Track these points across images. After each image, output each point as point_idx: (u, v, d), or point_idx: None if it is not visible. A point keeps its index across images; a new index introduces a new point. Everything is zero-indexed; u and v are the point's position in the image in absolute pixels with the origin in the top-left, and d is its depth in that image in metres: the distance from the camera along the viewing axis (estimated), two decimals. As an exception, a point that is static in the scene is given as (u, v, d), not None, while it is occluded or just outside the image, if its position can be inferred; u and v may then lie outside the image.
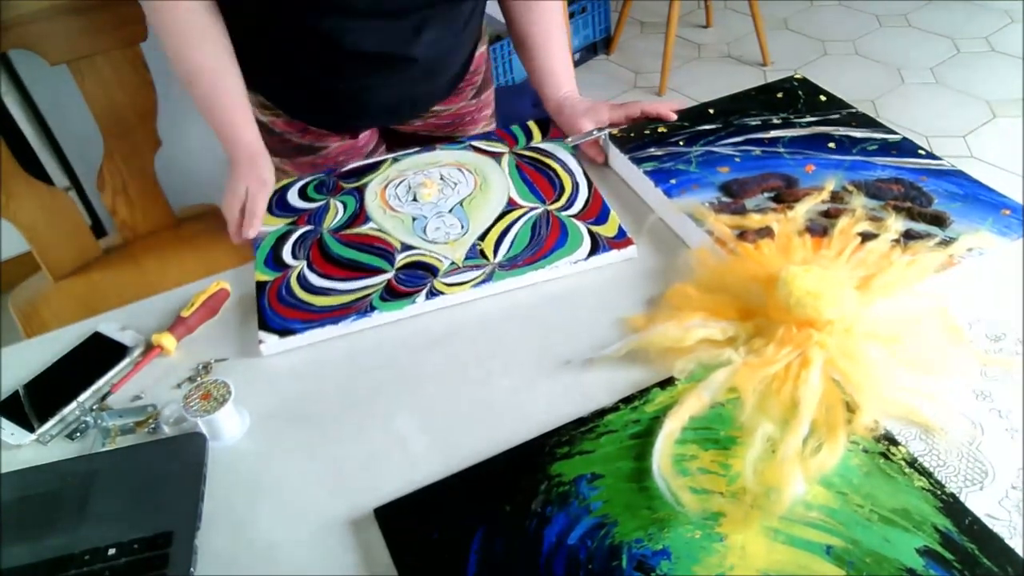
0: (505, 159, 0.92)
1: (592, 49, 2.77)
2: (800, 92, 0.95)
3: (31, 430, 0.66)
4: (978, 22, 2.71)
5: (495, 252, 0.78)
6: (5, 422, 0.67)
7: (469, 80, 1.09)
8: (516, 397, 0.65)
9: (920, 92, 2.41)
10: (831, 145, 0.85)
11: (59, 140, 1.82)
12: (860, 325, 0.63)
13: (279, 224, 0.85)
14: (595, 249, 0.77)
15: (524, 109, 2.04)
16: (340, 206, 0.87)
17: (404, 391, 0.67)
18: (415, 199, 0.86)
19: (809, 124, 0.89)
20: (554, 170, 0.89)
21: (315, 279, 0.77)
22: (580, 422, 0.61)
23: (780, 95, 0.95)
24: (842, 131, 0.87)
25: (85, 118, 1.17)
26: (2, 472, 0.63)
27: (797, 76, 0.99)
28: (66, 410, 0.68)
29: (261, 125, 1.03)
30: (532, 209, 0.83)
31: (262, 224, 0.85)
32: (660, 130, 0.91)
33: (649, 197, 0.84)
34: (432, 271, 0.77)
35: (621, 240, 0.78)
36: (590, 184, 0.86)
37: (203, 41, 0.87)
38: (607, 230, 0.79)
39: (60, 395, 0.69)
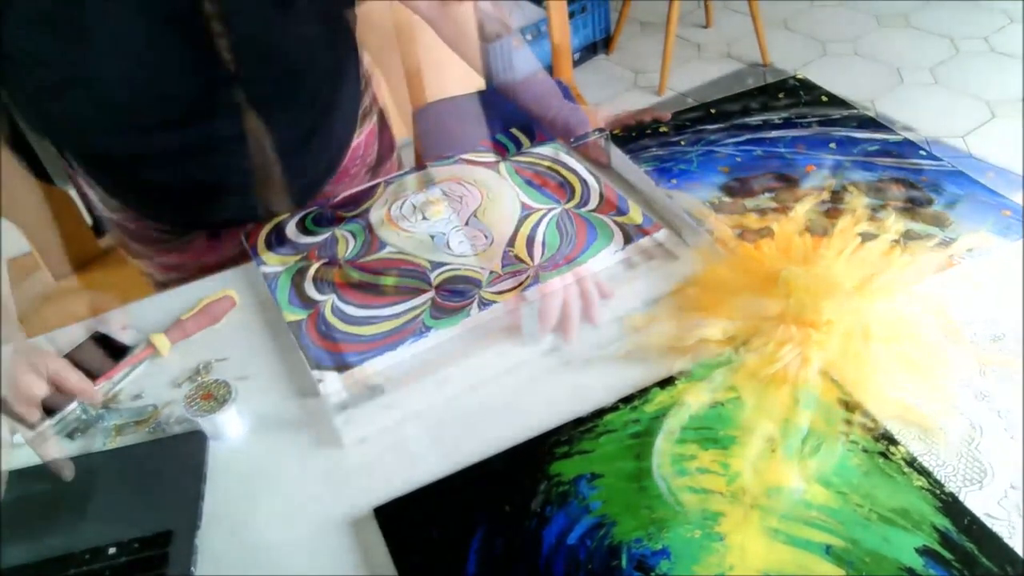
0: (502, 167, 0.89)
1: (592, 49, 2.77)
2: (801, 92, 0.95)
3: (32, 429, 0.66)
4: (977, 22, 2.71)
5: (530, 256, 0.76)
6: (6, 421, 0.67)
7: (351, 164, 0.95)
8: (516, 397, 0.65)
9: (919, 92, 2.41)
10: (831, 145, 0.85)
11: (59, 140, 1.82)
12: (860, 325, 0.63)
13: (289, 262, 0.79)
14: (628, 239, 0.77)
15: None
16: (348, 235, 0.81)
17: (403, 390, 0.67)
18: (424, 218, 0.82)
19: (810, 124, 0.89)
20: (556, 171, 0.87)
21: (352, 310, 0.72)
22: (580, 422, 0.61)
23: (781, 95, 0.95)
24: (842, 131, 0.87)
25: (85, 118, 1.17)
26: (2, 472, 0.63)
27: (798, 76, 0.99)
28: (67, 410, 0.68)
29: (113, 224, 0.92)
30: (550, 210, 0.81)
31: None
32: (662, 130, 0.91)
33: (650, 196, 0.84)
34: (474, 283, 0.73)
35: (649, 226, 0.78)
36: (597, 179, 0.85)
37: None
38: (632, 219, 0.79)
39: (60, 394, 0.69)
